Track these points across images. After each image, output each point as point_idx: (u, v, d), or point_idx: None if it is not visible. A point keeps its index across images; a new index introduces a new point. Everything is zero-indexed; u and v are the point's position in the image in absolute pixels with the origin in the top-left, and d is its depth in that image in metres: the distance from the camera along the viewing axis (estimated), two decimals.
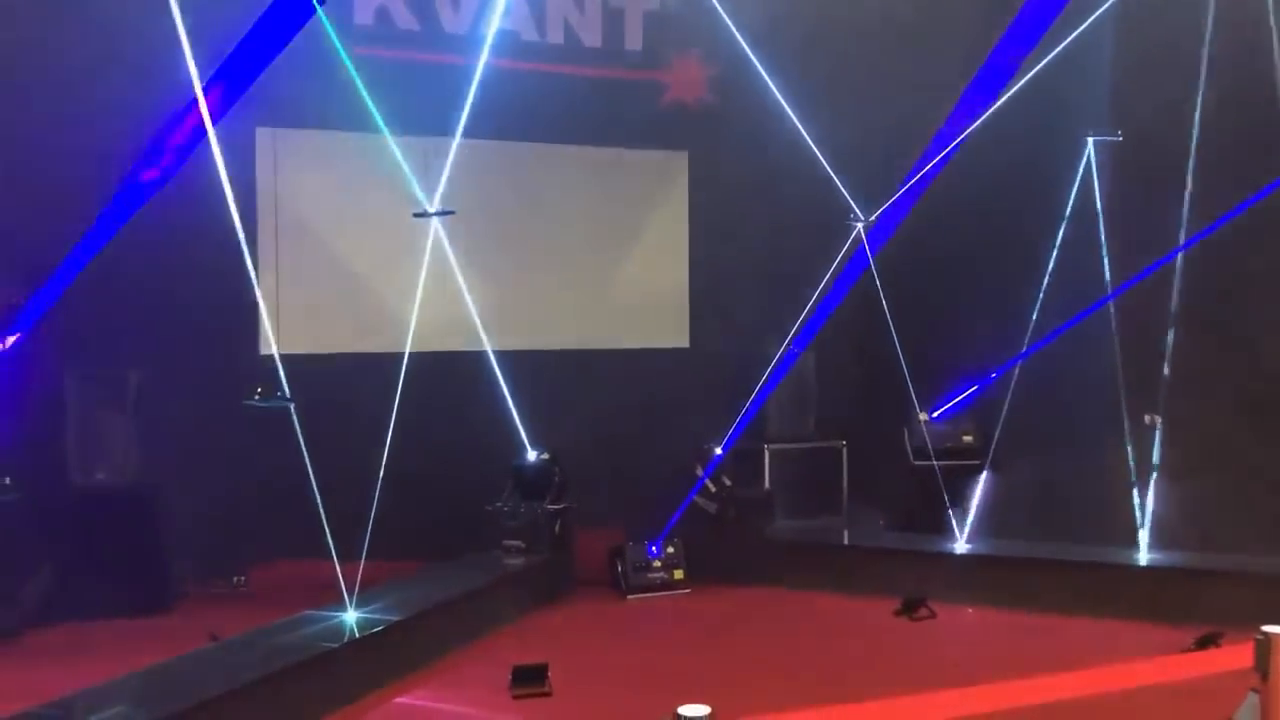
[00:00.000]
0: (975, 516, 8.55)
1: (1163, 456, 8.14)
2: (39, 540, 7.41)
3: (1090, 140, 8.44)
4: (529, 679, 5.89)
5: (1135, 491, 8.13)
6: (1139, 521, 8.04)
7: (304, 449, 6.13)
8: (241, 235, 6.03)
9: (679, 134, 9.95)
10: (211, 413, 7.98)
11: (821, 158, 8.01)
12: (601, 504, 8.70)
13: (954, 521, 8.48)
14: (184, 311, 8.03)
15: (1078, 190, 8.44)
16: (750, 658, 6.71)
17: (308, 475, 6.18)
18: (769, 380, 8.54)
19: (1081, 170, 8.42)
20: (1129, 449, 8.28)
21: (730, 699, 5.49)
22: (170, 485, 7.98)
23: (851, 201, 8.19)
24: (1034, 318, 8.46)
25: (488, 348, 8.32)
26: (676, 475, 8.73)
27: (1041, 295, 8.47)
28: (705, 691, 5.42)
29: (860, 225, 8.29)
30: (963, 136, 7.88)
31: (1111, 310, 8.37)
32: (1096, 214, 8.44)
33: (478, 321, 8.38)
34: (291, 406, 6.16)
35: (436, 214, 7.82)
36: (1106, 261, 8.43)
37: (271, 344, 6.52)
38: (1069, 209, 8.44)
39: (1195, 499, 7.88)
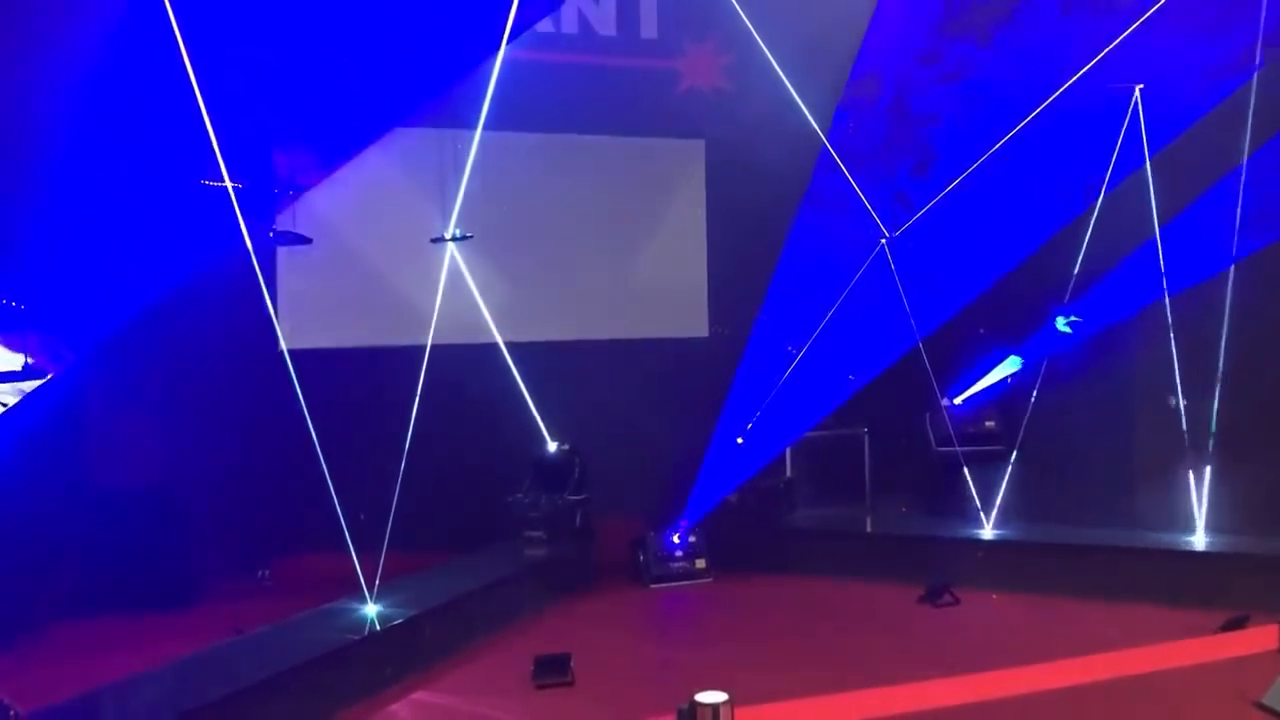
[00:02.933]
0: (999, 502, 8.49)
1: (1188, 441, 8.07)
2: (68, 537, 7.46)
3: (1138, 90, 8.07)
4: (552, 669, 5.91)
5: (1159, 476, 8.06)
6: (1163, 506, 7.97)
7: (315, 440, 6.15)
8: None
9: (695, 122, 9.90)
10: (235, 408, 8.02)
11: (833, 151, 8.01)
12: (622, 494, 8.68)
13: (977, 508, 8.43)
14: (204, 308, 8.05)
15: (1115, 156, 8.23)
16: (773, 646, 6.69)
17: (332, 468, 6.24)
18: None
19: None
20: (1154, 433, 8.20)
21: (752, 687, 5.51)
22: (195, 481, 8.02)
23: (874, 213, 8.19)
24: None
25: (498, 340, 8.36)
26: (697, 465, 8.72)
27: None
28: (727, 680, 5.42)
29: (884, 240, 8.37)
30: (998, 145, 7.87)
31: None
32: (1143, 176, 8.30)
33: (494, 314, 8.40)
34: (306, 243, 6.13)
35: (453, 239, 7.84)
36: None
37: (282, 341, 6.52)
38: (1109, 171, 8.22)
39: (1220, 483, 7.81)
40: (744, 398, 8.66)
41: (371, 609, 6.33)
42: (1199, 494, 7.91)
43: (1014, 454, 8.66)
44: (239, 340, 8.20)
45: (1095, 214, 8.23)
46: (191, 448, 8.09)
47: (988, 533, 8.29)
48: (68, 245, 6.71)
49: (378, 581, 6.44)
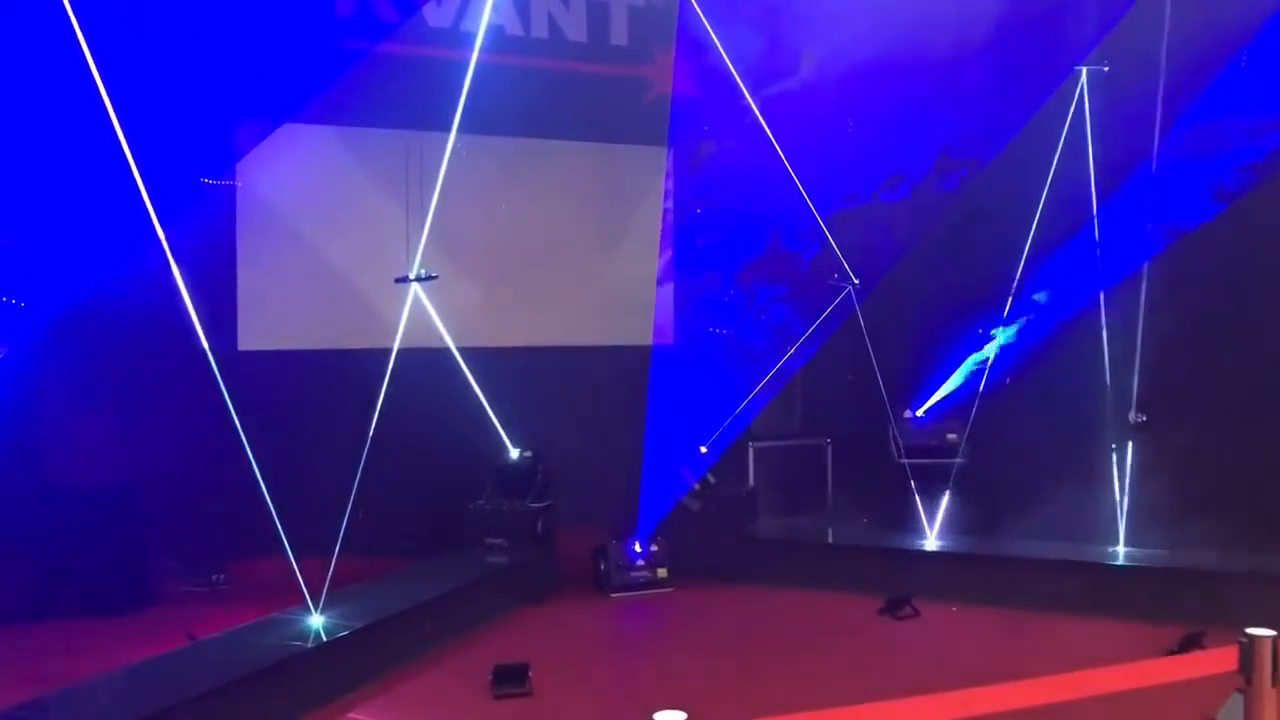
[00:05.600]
0: (959, 515, 8.52)
1: (1147, 454, 8.14)
2: (17, 539, 7.32)
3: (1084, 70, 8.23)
4: (510, 679, 5.85)
5: (1118, 490, 8.12)
6: (1122, 520, 8.04)
7: (246, 446, 6.07)
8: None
9: (664, 129, 9.87)
10: (192, 409, 7.89)
11: (793, 172, 8.08)
12: (585, 502, 8.64)
13: (938, 520, 8.46)
14: (163, 308, 7.93)
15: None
16: (732, 657, 6.67)
17: (289, 471, 6.17)
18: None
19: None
20: (1113, 447, 8.27)
21: (712, 699, 5.49)
22: (150, 483, 7.91)
23: (843, 259, 8.29)
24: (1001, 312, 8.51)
25: (452, 345, 8.31)
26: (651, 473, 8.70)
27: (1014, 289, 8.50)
28: (686, 692, 5.41)
29: (850, 288, 8.52)
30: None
31: (1101, 303, 8.41)
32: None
33: (457, 319, 8.34)
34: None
35: (418, 279, 7.78)
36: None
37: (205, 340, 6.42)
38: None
39: (1178, 497, 7.87)
40: (681, 403, 8.64)
41: (317, 619, 6.23)
42: (1155, 508, 7.97)
43: (973, 466, 8.71)
44: (198, 340, 8.08)
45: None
46: (147, 449, 7.96)
47: (948, 545, 8.31)
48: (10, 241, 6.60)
49: (326, 589, 6.34)
